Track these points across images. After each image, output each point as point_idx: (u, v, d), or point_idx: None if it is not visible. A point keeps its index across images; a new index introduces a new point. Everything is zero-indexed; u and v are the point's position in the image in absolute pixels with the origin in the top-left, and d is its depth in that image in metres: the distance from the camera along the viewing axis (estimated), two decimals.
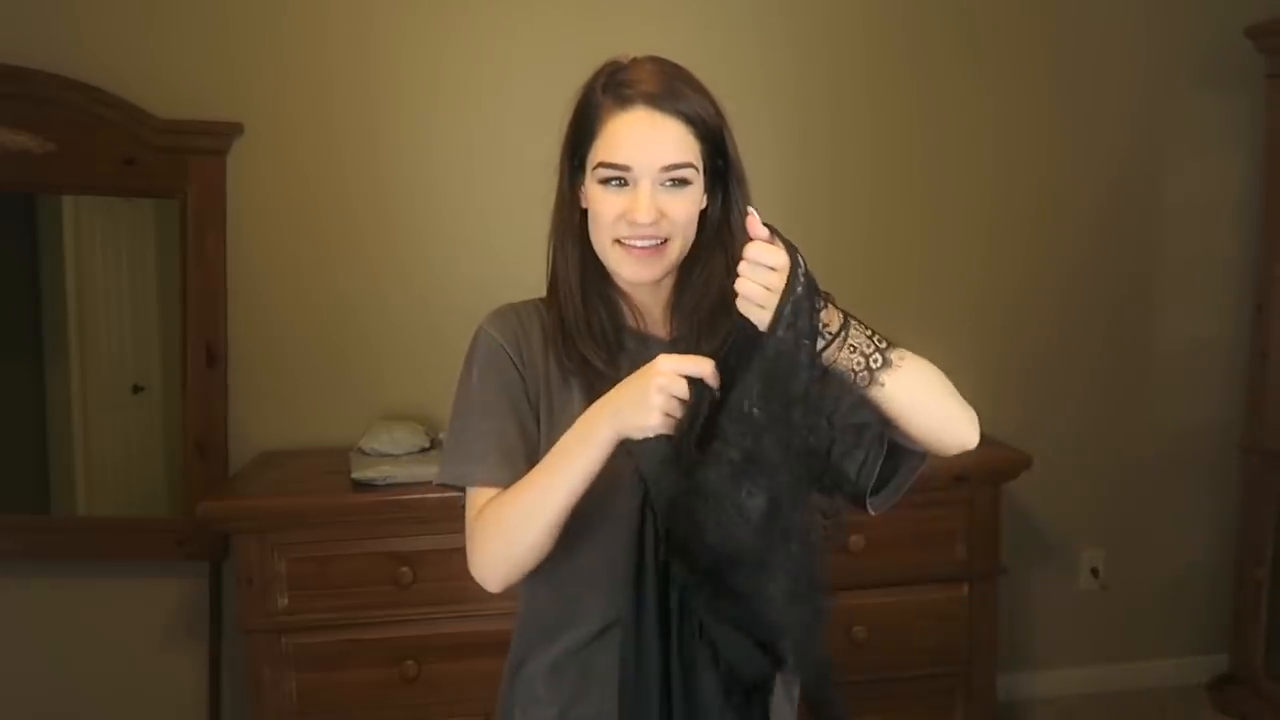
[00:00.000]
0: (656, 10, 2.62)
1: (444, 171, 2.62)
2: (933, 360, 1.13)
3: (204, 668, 2.58)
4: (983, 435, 1.05)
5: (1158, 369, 2.98)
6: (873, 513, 1.10)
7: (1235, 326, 2.96)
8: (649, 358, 1.19)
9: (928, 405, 1.09)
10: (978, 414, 1.15)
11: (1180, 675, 3.05)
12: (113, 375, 2.65)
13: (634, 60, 1.14)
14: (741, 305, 1.02)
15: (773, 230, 1.02)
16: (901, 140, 2.79)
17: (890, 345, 1.06)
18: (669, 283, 1.19)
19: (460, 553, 2.31)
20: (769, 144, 2.66)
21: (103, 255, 2.63)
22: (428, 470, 2.07)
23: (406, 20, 2.57)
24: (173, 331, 2.55)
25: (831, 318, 1.04)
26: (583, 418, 1.06)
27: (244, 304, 2.57)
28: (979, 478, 2.43)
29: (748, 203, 1.19)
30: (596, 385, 1.12)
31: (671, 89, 1.10)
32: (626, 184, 1.10)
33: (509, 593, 1.27)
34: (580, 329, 1.17)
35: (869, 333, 1.06)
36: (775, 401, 0.98)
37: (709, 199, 1.16)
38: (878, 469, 1.05)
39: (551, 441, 1.10)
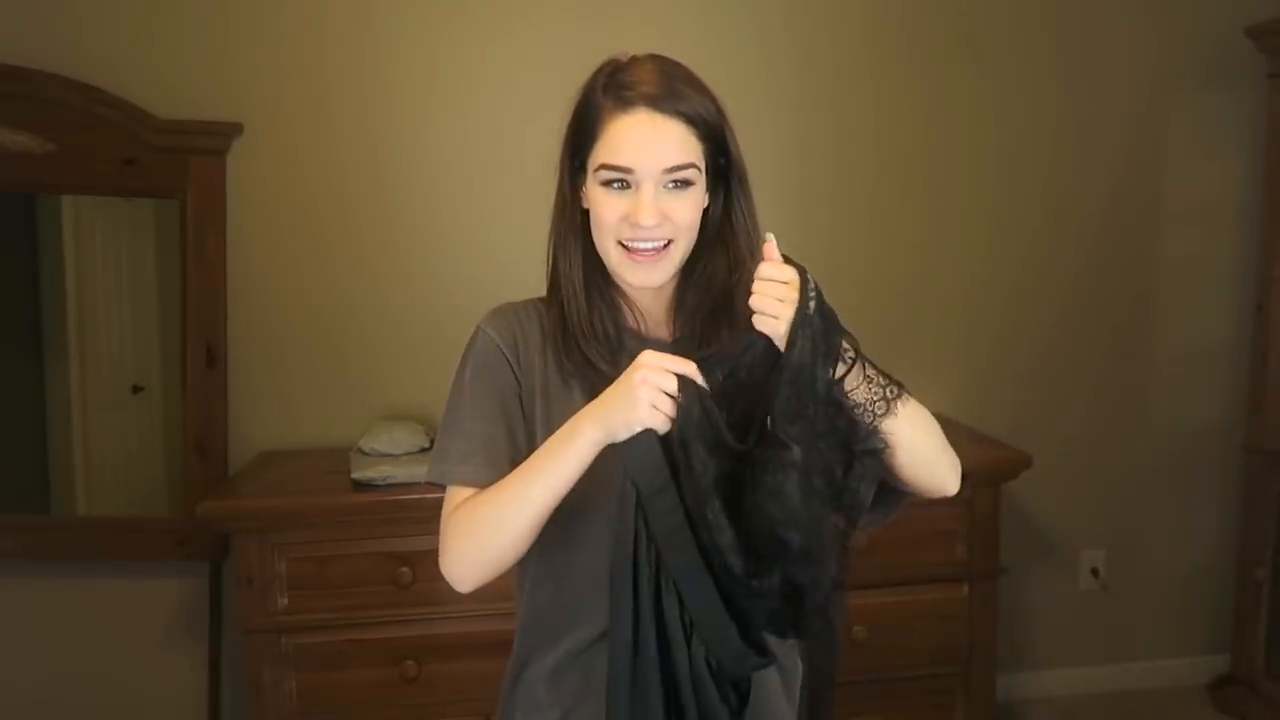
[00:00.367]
0: (656, 10, 2.62)
1: (443, 171, 2.62)
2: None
3: (204, 668, 2.58)
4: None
5: (1158, 369, 2.98)
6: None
7: (1235, 326, 2.96)
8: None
9: (925, 444, 1.13)
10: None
11: (1180, 675, 3.05)
12: (113, 375, 2.65)
13: (633, 59, 1.14)
14: (758, 321, 1.03)
15: (786, 258, 1.05)
16: (902, 140, 2.79)
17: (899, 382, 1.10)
18: (671, 283, 1.19)
19: None
20: (770, 144, 2.66)
21: (103, 255, 2.63)
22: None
23: (406, 20, 2.57)
24: (173, 331, 2.55)
25: (845, 350, 1.07)
26: (569, 422, 1.06)
27: (244, 304, 2.57)
28: (979, 478, 2.42)
29: (749, 200, 1.19)
30: (598, 386, 1.11)
31: (672, 89, 1.09)
32: (629, 186, 1.10)
33: (510, 593, 1.27)
34: (583, 329, 1.16)
35: (879, 369, 1.10)
36: (797, 420, 1.00)
37: (710, 197, 1.16)
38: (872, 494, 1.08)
39: None
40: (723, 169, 1.15)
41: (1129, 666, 3.05)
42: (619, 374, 1.06)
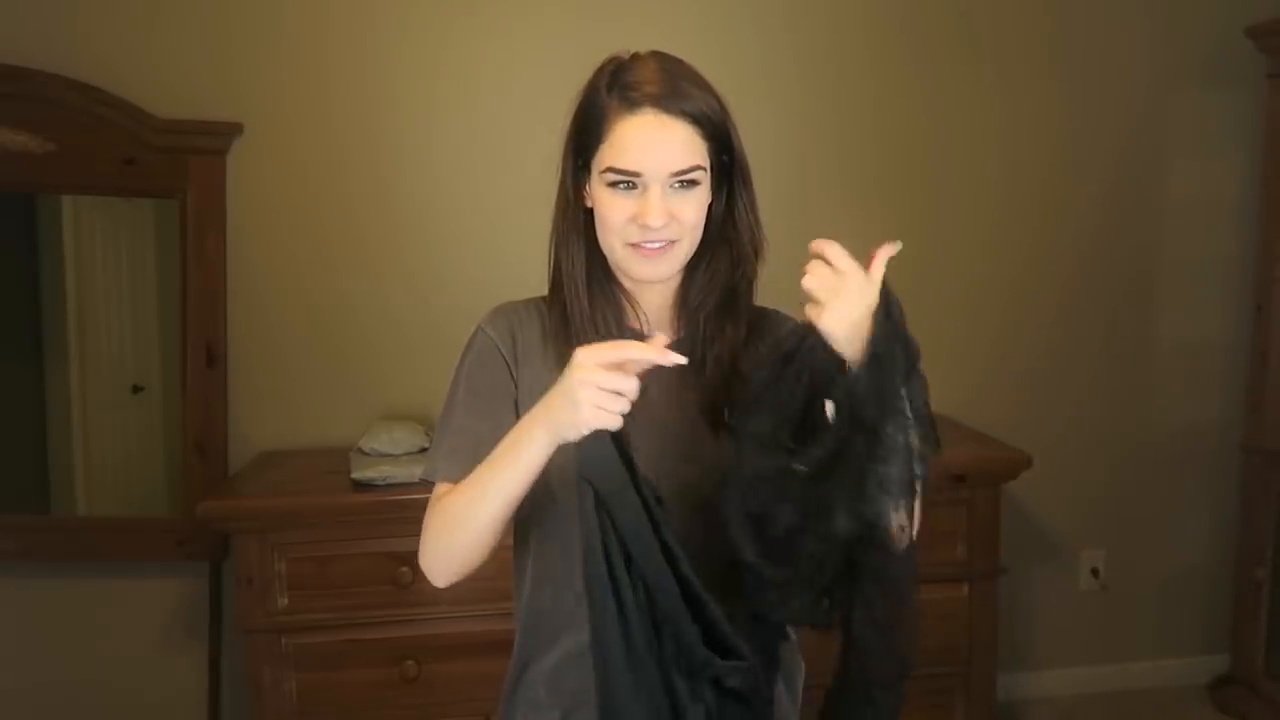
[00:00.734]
0: (657, 10, 2.63)
1: (444, 171, 2.62)
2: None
3: (204, 668, 2.58)
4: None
5: (1158, 369, 2.98)
6: None
7: (1235, 326, 2.96)
8: None
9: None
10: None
11: (1180, 675, 3.05)
12: (113, 375, 2.65)
13: (636, 56, 1.14)
14: (808, 308, 1.01)
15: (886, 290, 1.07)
16: (902, 140, 2.79)
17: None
18: (674, 280, 1.19)
19: None
20: (770, 143, 2.65)
21: (103, 255, 2.63)
22: None
23: (406, 20, 2.57)
24: (173, 331, 2.55)
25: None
26: (520, 423, 1.05)
27: (244, 304, 2.57)
28: (979, 478, 2.42)
29: (752, 197, 1.19)
30: None
31: (677, 89, 1.09)
32: (635, 187, 1.09)
33: (510, 593, 1.27)
34: (585, 328, 1.16)
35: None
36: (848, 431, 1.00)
37: (714, 195, 1.16)
38: None
39: None
40: (726, 166, 1.15)
41: (1129, 666, 3.05)
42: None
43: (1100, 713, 2.94)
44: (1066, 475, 2.90)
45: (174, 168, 2.48)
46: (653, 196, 1.08)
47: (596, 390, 0.96)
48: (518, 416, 1.16)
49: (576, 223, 1.17)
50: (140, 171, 2.46)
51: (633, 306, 1.20)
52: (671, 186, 1.10)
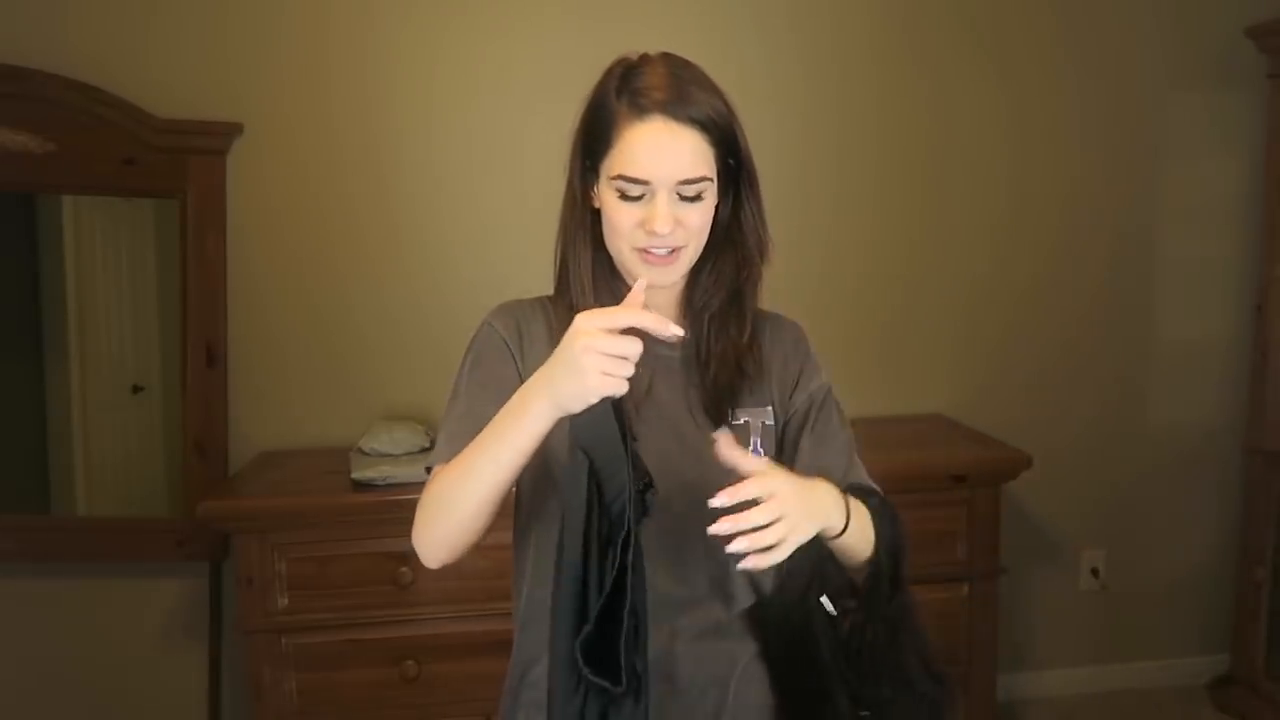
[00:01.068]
0: (658, 10, 2.62)
1: (444, 171, 2.62)
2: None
3: (204, 668, 2.58)
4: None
5: (1158, 369, 2.98)
6: None
7: (1235, 326, 2.96)
8: (657, 357, 1.20)
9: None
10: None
11: (1180, 675, 3.05)
12: (113, 375, 2.65)
13: (644, 58, 1.14)
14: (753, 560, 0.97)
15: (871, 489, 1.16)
16: (904, 141, 2.78)
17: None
18: (680, 282, 1.20)
19: None
20: (773, 145, 2.65)
21: (103, 255, 2.63)
22: None
23: (406, 20, 2.57)
24: (173, 331, 2.55)
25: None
26: (516, 395, 1.02)
27: (244, 304, 2.57)
28: (979, 478, 2.42)
29: (758, 200, 1.18)
30: None
31: (685, 94, 1.09)
32: (643, 195, 1.10)
33: (510, 593, 1.27)
34: None
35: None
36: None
37: (721, 198, 1.16)
38: None
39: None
40: (733, 170, 1.16)
41: (1129, 666, 3.05)
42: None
43: (1100, 713, 2.94)
44: (1066, 475, 2.90)
45: (174, 168, 2.48)
46: (660, 204, 1.09)
47: (602, 356, 0.93)
48: None
49: (584, 223, 1.17)
50: (140, 171, 2.46)
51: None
52: (678, 194, 1.10)
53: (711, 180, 1.12)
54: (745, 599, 1.19)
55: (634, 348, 0.94)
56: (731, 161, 1.15)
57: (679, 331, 0.98)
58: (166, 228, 2.55)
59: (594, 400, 0.95)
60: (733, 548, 0.96)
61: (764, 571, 1.17)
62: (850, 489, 1.13)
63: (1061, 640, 3.02)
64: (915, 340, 2.84)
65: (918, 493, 2.25)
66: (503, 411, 1.03)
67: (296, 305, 2.61)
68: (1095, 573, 3.00)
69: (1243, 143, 2.90)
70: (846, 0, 2.72)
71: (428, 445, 2.42)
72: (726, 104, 1.13)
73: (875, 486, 1.19)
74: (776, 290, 1.25)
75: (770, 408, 1.21)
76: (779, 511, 0.96)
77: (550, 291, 1.23)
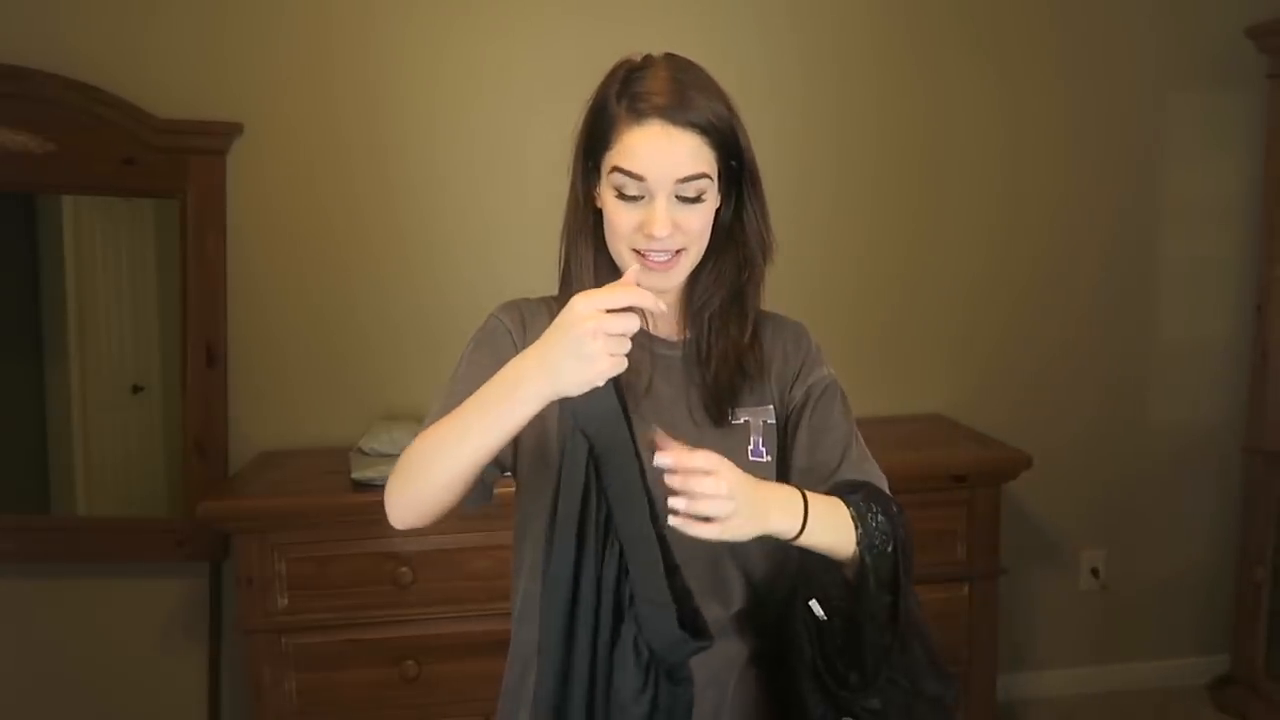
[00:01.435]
0: (659, 10, 2.62)
1: (445, 171, 2.62)
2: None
3: (204, 668, 2.58)
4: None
5: (1158, 369, 2.98)
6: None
7: (1235, 326, 2.96)
8: (657, 356, 1.20)
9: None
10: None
11: (1180, 675, 3.05)
12: (113, 375, 2.65)
13: (647, 60, 1.14)
14: (692, 527, 0.95)
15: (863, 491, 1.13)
16: (905, 139, 2.78)
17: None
18: (681, 283, 1.20)
19: (460, 552, 2.31)
20: (773, 144, 2.65)
21: (103, 255, 2.63)
22: None
23: (407, 20, 2.57)
24: (173, 331, 2.55)
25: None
26: (503, 374, 1.00)
27: (244, 304, 2.57)
28: (979, 478, 2.42)
29: (761, 201, 1.18)
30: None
31: (684, 99, 1.09)
32: (642, 196, 1.10)
33: (509, 593, 1.27)
34: None
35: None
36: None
37: (722, 199, 1.17)
38: None
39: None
40: (735, 171, 1.16)
41: (1129, 666, 3.05)
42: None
43: (1100, 713, 2.94)
44: (1066, 475, 2.90)
45: (174, 168, 2.48)
46: (658, 206, 1.09)
47: (608, 338, 0.92)
48: None
49: (586, 223, 1.18)
50: (140, 171, 2.46)
51: None
52: (678, 196, 1.10)
53: (711, 178, 1.11)
54: (743, 600, 1.19)
55: (634, 325, 0.94)
56: (733, 163, 1.15)
57: (663, 306, 0.98)
58: (166, 228, 2.55)
59: (600, 383, 0.94)
60: (673, 502, 0.95)
61: (761, 573, 1.17)
62: (836, 486, 1.13)
63: (1061, 640, 3.02)
64: (915, 340, 2.84)
65: (918, 493, 2.25)
66: (490, 387, 1.00)
67: (296, 305, 2.61)
68: (1095, 573, 3.00)
69: (1242, 143, 2.90)
70: (847, 0, 2.72)
71: None
72: (728, 106, 1.13)
73: (873, 481, 1.17)
74: (776, 290, 1.25)
75: (771, 406, 1.21)
76: (723, 490, 0.95)
77: (553, 292, 1.23)
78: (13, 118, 2.40)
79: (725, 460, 0.98)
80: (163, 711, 2.63)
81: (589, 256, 1.18)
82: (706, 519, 0.95)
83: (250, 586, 2.21)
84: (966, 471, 2.41)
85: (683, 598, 0.98)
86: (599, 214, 1.16)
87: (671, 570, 0.97)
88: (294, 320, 2.61)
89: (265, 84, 2.53)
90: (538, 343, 0.97)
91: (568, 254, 1.20)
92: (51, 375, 2.59)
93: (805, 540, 1.04)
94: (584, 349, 0.92)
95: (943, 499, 2.40)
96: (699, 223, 1.12)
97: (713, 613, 1.17)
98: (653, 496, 0.97)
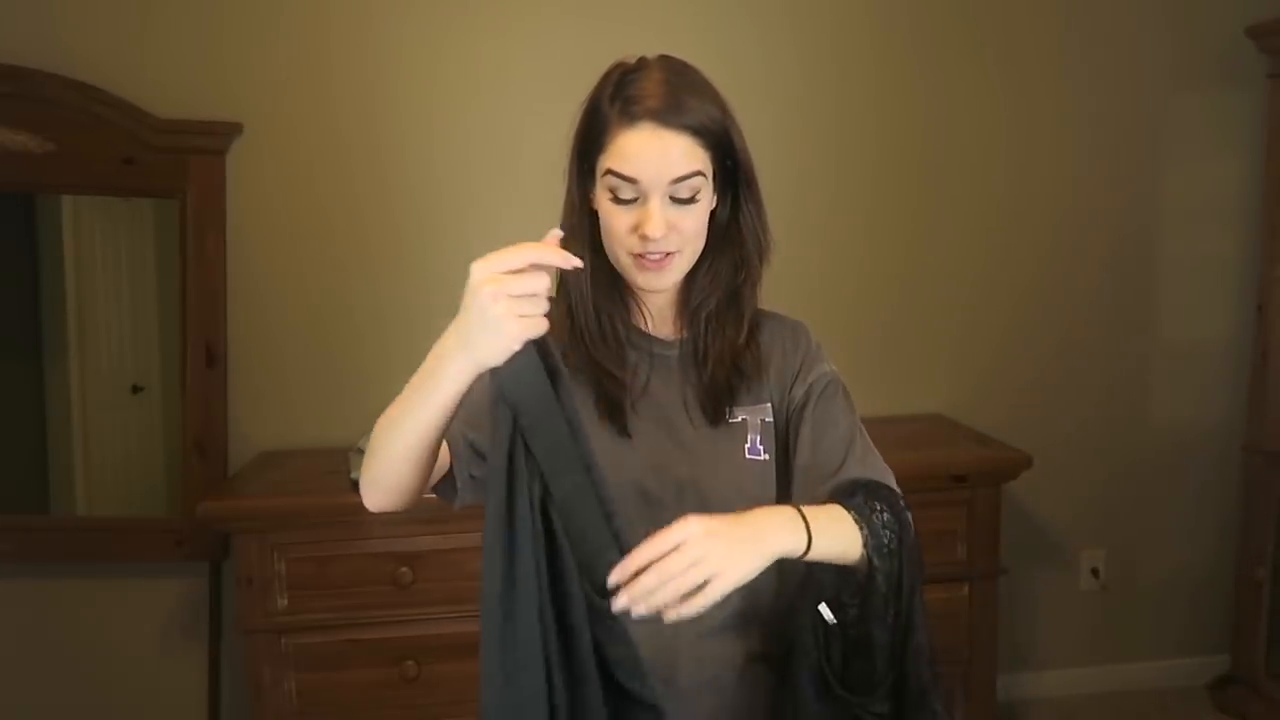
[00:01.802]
0: (657, 11, 2.62)
1: (444, 171, 2.62)
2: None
3: (204, 668, 2.58)
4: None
5: (1158, 369, 2.98)
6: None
7: (1235, 326, 2.96)
8: (657, 356, 1.20)
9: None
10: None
11: (1180, 675, 3.05)
12: (113, 375, 2.65)
13: (641, 63, 1.14)
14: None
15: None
16: (904, 139, 2.78)
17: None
18: (678, 283, 1.20)
19: (460, 552, 2.31)
20: (771, 144, 2.65)
21: (103, 255, 2.63)
22: None
23: (406, 20, 2.57)
24: (173, 331, 2.55)
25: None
26: (433, 351, 1.00)
27: (244, 304, 2.57)
28: (979, 478, 2.42)
29: (757, 202, 1.18)
30: (605, 384, 1.16)
31: (677, 102, 1.09)
32: (636, 199, 1.10)
33: None
34: (590, 332, 1.18)
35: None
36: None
37: (718, 200, 1.17)
38: None
39: None
40: (730, 171, 1.16)
41: (1129, 666, 3.05)
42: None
43: (1100, 713, 2.94)
44: (1066, 475, 2.90)
45: (173, 168, 2.48)
46: (652, 208, 1.09)
47: (511, 300, 0.90)
48: None
49: (583, 229, 1.18)
50: (140, 171, 2.46)
51: (638, 305, 1.22)
52: (672, 197, 1.10)
53: (705, 176, 1.12)
54: (740, 600, 1.19)
55: (541, 283, 0.91)
56: (729, 164, 1.15)
57: (578, 262, 0.95)
58: (166, 228, 2.55)
59: (517, 348, 0.92)
60: (617, 605, 0.92)
61: (761, 573, 1.17)
62: (834, 492, 1.13)
63: (1061, 640, 3.02)
64: (915, 340, 2.84)
65: (918, 493, 2.22)
66: (423, 367, 1.01)
67: (296, 305, 2.61)
68: (1095, 573, 3.00)
69: (1243, 143, 2.90)
70: (846, 0, 2.72)
71: None
72: (722, 108, 1.13)
73: (878, 476, 1.17)
74: (775, 290, 1.25)
75: (769, 405, 1.21)
76: (693, 557, 0.93)
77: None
78: (12, 118, 2.40)
79: (684, 521, 0.95)
80: (163, 711, 2.63)
81: (585, 260, 1.18)
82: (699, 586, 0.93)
83: (250, 586, 2.21)
84: (966, 471, 2.41)
85: (622, 540, 0.95)
86: (595, 217, 1.16)
87: (609, 516, 0.96)
88: (294, 320, 2.61)
89: (264, 84, 2.54)
90: (456, 318, 0.96)
91: None
92: (51, 375, 2.59)
93: (814, 554, 1.03)
94: (488, 315, 0.90)
95: (943, 499, 2.40)
96: (694, 223, 1.12)
97: (713, 615, 1.17)
98: (585, 451, 0.95)
